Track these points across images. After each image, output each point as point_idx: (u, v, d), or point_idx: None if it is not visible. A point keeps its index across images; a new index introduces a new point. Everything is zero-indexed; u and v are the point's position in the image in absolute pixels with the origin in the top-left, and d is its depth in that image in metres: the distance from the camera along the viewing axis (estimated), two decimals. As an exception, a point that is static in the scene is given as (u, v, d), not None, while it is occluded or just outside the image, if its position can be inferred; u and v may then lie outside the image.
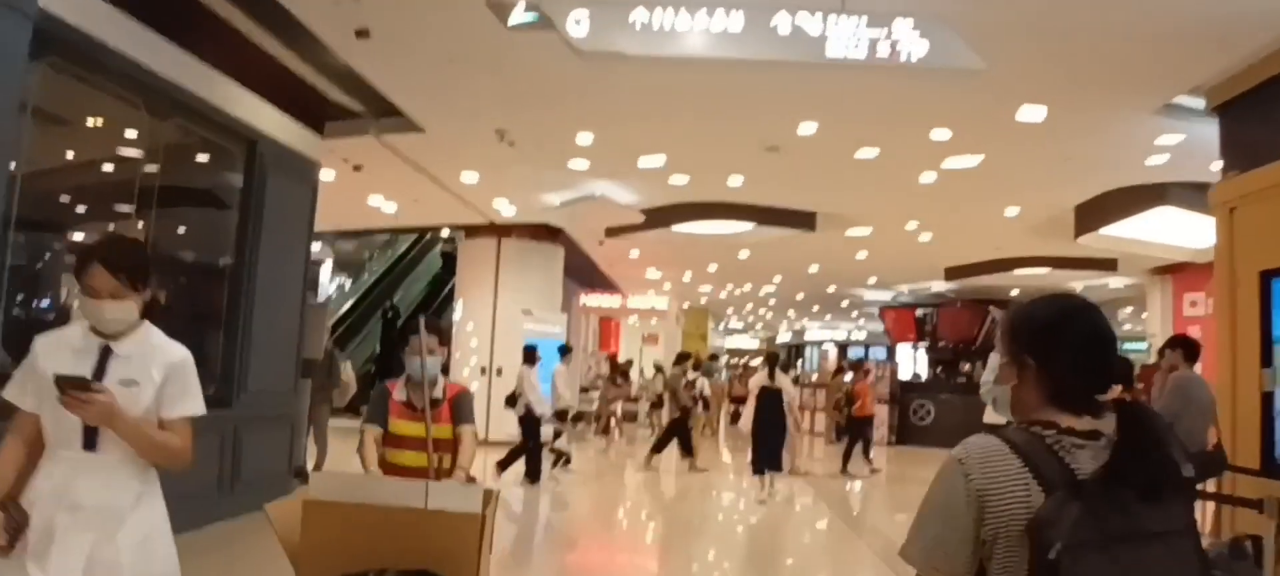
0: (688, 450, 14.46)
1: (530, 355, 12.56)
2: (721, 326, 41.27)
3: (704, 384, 14.81)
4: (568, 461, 12.99)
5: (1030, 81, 7.71)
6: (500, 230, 16.13)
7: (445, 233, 20.37)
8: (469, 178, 12.22)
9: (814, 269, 19.82)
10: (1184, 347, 7.58)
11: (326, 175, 12.36)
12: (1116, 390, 1.91)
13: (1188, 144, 9.15)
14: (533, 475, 12.32)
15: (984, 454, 1.61)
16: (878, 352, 42.10)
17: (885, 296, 24.62)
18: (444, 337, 4.53)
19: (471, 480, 4.11)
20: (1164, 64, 7.31)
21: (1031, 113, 8.35)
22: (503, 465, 12.28)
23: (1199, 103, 8.08)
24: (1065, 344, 1.69)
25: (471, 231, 16.54)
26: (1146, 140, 9.18)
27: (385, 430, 4.20)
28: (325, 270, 36.65)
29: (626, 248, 17.94)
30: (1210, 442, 7.38)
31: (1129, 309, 28.22)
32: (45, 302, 8.04)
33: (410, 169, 11.85)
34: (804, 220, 13.61)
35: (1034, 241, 15.17)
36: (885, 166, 10.50)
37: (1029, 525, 1.52)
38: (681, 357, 16.28)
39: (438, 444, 4.11)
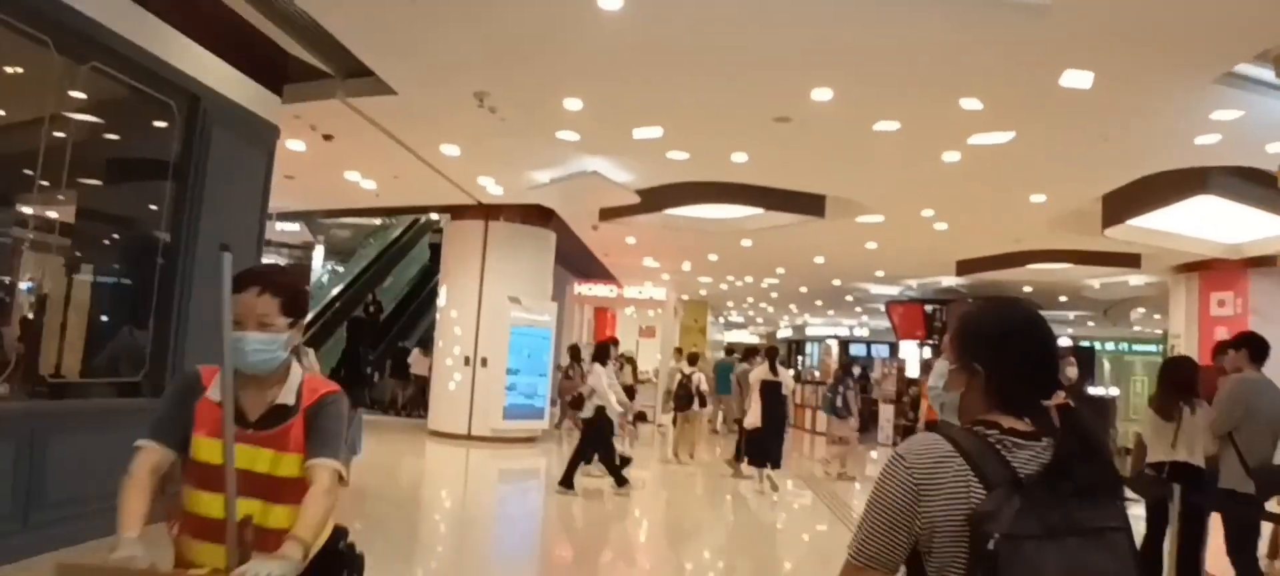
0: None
1: (603, 353, 11.63)
2: (721, 320, 40.31)
3: (700, 379, 13.88)
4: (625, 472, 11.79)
5: (1080, 40, 6.73)
6: (488, 211, 15.17)
7: (435, 217, 19.45)
8: (450, 151, 11.25)
9: (820, 260, 18.85)
10: (1250, 347, 6.63)
11: (295, 145, 11.44)
12: (1059, 396, 1.85)
13: (1246, 122, 8.17)
14: (619, 480, 11.29)
15: (924, 450, 1.70)
16: (880, 350, 41.27)
17: (892, 291, 23.65)
18: (293, 301, 2.56)
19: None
20: (1234, 22, 6.34)
21: (1076, 78, 7.36)
22: (566, 482, 11.05)
23: (1267, 72, 7.12)
24: (1013, 352, 1.78)
25: (458, 212, 15.58)
26: (1200, 115, 8.18)
27: (184, 454, 2.48)
28: (317, 256, 35.77)
29: (622, 234, 16.97)
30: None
31: (1140, 310, 27.36)
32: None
33: (386, 140, 10.89)
34: (813, 205, 12.63)
35: (1055, 233, 14.20)
36: (905, 142, 9.53)
37: (969, 518, 1.59)
38: (692, 359, 15.39)
39: (267, 486, 2.43)
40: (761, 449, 12.13)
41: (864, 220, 13.94)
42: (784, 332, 48.18)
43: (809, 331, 45.25)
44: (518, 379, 15.10)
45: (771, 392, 12.19)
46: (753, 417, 12.33)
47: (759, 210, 13.01)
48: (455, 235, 15.78)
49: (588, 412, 11.24)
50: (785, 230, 14.68)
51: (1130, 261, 16.40)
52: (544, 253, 15.98)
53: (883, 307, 28.80)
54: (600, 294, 21.74)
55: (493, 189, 13.60)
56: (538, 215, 15.38)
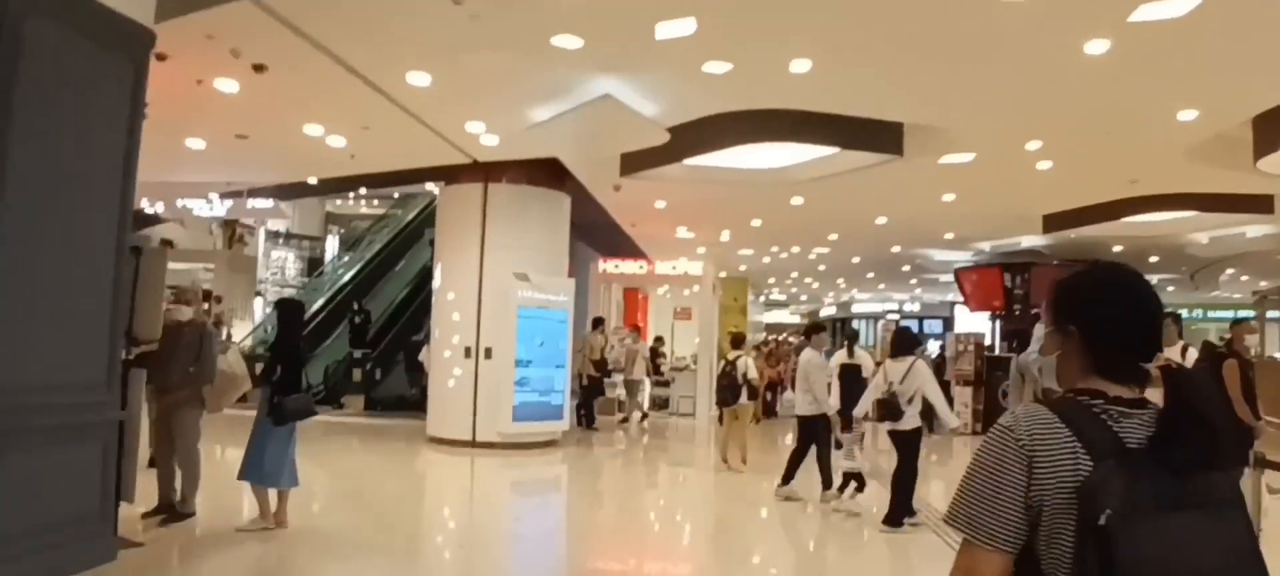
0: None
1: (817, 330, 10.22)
2: (762, 298, 37.53)
3: (747, 365, 11.21)
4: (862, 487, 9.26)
5: None
6: (487, 171, 12.58)
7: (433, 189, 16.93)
8: (418, 79, 8.66)
9: (881, 221, 16.09)
10: None
11: (225, 85, 9.01)
12: (1162, 359, 1.70)
13: None
14: (827, 483, 9.46)
15: (1033, 420, 1.62)
16: (932, 326, 38.34)
17: (959, 257, 20.80)
18: None
19: None
20: None
21: None
22: (786, 479, 9.62)
23: None
24: (1110, 312, 1.70)
25: (452, 175, 13.01)
26: None
27: None
28: (330, 247, 33.35)
29: (650, 196, 14.32)
30: None
31: (1229, 271, 24.40)
32: None
33: (335, 70, 8.35)
34: (888, 139, 9.92)
35: (1186, 169, 11.39)
36: (1040, 22, 6.81)
37: (1078, 491, 1.51)
38: (736, 340, 12.54)
39: None
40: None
41: (949, 160, 11.19)
42: (827, 310, 45.40)
43: (855, 308, 42.42)
44: (530, 372, 12.54)
45: (851, 378, 10.84)
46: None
47: (823, 149, 10.33)
48: (450, 203, 13.22)
49: (810, 408, 9.59)
50: (845, 184, 12.05)
51: (1262, 206, 13.59)
52: (557, 220, 13.38)
53: (944, 277, 26.03)
54: (628, 271, 19.09)
55: (486, 139, 10.99)
56: (547, 174, 12.78)
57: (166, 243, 23.52)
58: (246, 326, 22.54)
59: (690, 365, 21.26)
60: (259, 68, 8.47)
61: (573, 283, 13.42)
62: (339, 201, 32.61)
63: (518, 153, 11.87)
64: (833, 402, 11.51)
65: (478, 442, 12.45)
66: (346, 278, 24.26)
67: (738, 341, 11.82)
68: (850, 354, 11.62)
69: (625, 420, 17.06)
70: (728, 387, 11.27)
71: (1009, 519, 1.59)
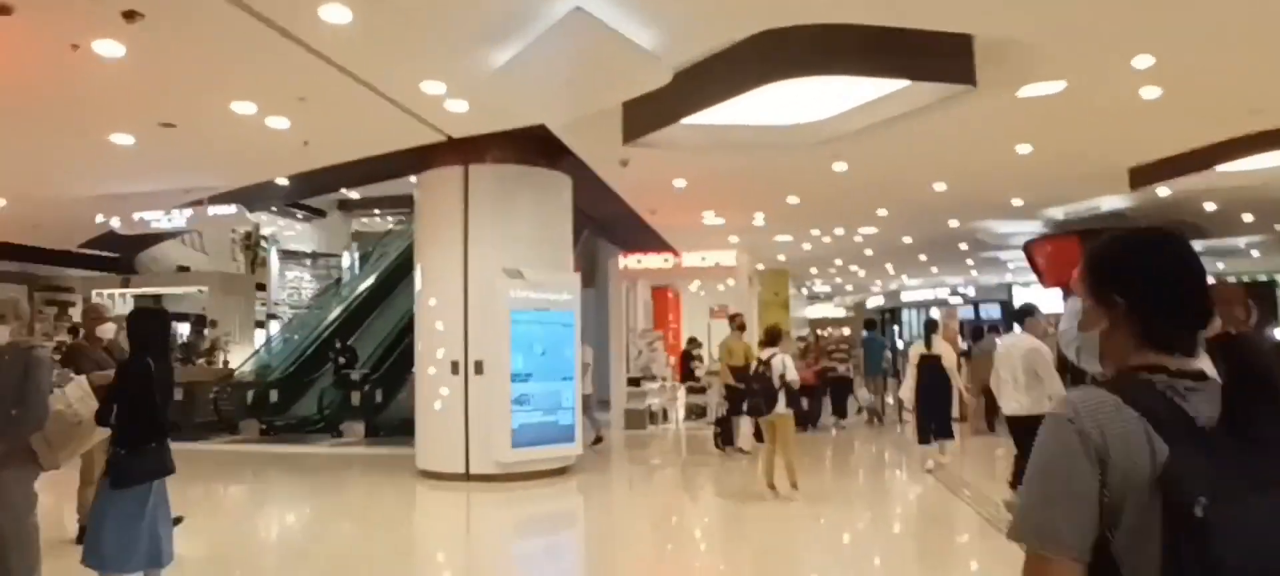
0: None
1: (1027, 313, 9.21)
2: (804, 291, 35.17)
3: (785, 364, 8.98)
4: None
5: None
6: (466, 151, 10.54)
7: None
8: (334, 15, 6.59)
9: (940, 187, 13.79)
10: None
11: (107, 48, 7.15)
12: (1216, 326, 1.52)
13: None
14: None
15: (1095, 406, 1.44)
16: (990, 311, 35.68)
17: (1026, 228, 18.38)
18: None
19: None
20: None
21: None
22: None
23: None
24: (1158, 278, 1.56)
25: (427, 158, 10.97)
26: None
27: None
28: (346, 262, 31.58)
29: (664, 172, 12.21)
30: None
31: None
32: None
33: (224, 7, 6.34)
34: (955, 62, 7.69)
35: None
36: None
37: (1160, 480, 1.35)
38: (772, 336, 10.24)
39: None
40: (922, 427, 11.32)
41: (1031, 92, 8.94)
42: (875, 301, 42.95)
43: (904, 296, 39.94)
44: (530, 387, 10.45)
45: (930, 371, 11.20)
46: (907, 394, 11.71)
47: (874, 85, 8.15)
48: (428, 192, 11.20)
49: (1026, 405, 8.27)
50: (897, 139, 10.00)
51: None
52: (555, 205, 11.30)
53: (1004, 254, 23.61)
54: (651, 265, 16.93)
55: (453, 105, 8.91)
56: (540, 151, 10.74)
57: (183, 269, 22.16)
58: (244, 351, 20.77)
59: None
60: (130, 16, 6.50)
61: (577, 279, 11.29)
62: (364, 220, 31.29)
63: (497, 123, 9.80)
64: (905, 397, 11.78)
65: (472, 475, 10.39)
66: (359, 290, 22.40)
67: (773, 337, 9.61)
68: (928, 344, 11.46)
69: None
70: (762, 393, 9.08)
71: (1082, 524, 1.40)
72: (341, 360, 16.76)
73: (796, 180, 13.18)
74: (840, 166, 11.89)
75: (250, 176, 12.56)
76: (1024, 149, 11.39)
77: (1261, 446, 1.37)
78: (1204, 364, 1.51)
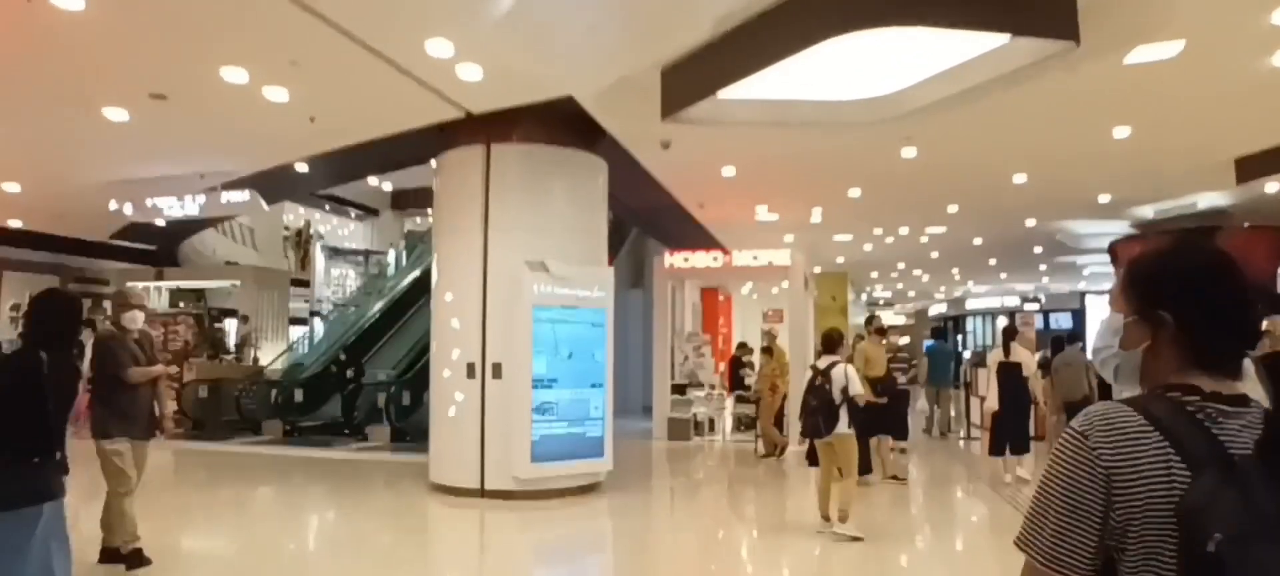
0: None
1: None
2: (863, 296, 33.61)
3: (848, 375, 7.61)
4: None
5: None
6: (489, 129, 9.46)
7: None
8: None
9: (1020, 179, 12.37)
10: None
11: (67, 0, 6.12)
12: (1265, 345, 1.48)
13: None
14: None
15: (1112, 425, 1.39)
16: (1061, 320, 33.75)
17: (1109, 228, 16.78)
18: None
19: None
20: None
21: None
22: None
23: None
24: (1209, 295, 1.49)
25: (447, 138, 9.91)
26: None
27: None
28: (392, 256, 30.97)
29: (711, 156, 11.02)
30: None
31: None
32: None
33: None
34: (1058, 18, 6.38)
35: None
36: None
37: (1178, 511, 1.29)
38: (830, 342, 8.83)
39: None
40: (996, 440, 10.91)
41: (1140, 57, 7.56)
42: (937, 309, 41.19)
43: (970, 304, 38.14)
44: (555, 394, 9.30)
45: (1009, 377, 10.72)
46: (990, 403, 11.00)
47: (959, 44, 6.85)
48: (447, 175, 10.10)
49: None
50: (976, 119, 8.76)
51: None
52: (588, 192, 10.14)
53: (1082, 260, 21.95)
54: (699, 264, 15.69)
55: (466, 72, 7.82)
56: (572, 130, 9.62)
57: (231, 265, 21.59)
58: (277, 347, 19.99)
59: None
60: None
61: (609, 274, 10.10)
62: (418, 218, 30.83)
63: (518, 94, 8.70)
64: (990, 406, 11.02)
65: (487, 491, 9.27)
66: (399, 288, 21.50)
67: (832, 342, 8.29)
68: (1007, 352, 10.87)
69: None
70: (821, 409, 7.74)
71: (1081, 544, 1.37)
72: (349, 373, 15.81)
73: (859, 169, 11.87)
74: (909, 153, 10.59)
75: (262, 159, 11.64)
76: (1121, 132, 9.97)
77: None
78: (1249, 387, 1.44)
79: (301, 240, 34.65)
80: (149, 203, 12.87)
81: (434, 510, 9.28)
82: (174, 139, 10.51)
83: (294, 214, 33.74)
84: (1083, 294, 32.96)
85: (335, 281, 34.50)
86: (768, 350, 14.77)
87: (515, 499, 9.16)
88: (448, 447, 9.62)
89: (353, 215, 34.56)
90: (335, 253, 37.45)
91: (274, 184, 12.90)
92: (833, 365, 7.80)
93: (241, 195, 12.30)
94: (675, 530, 9.19)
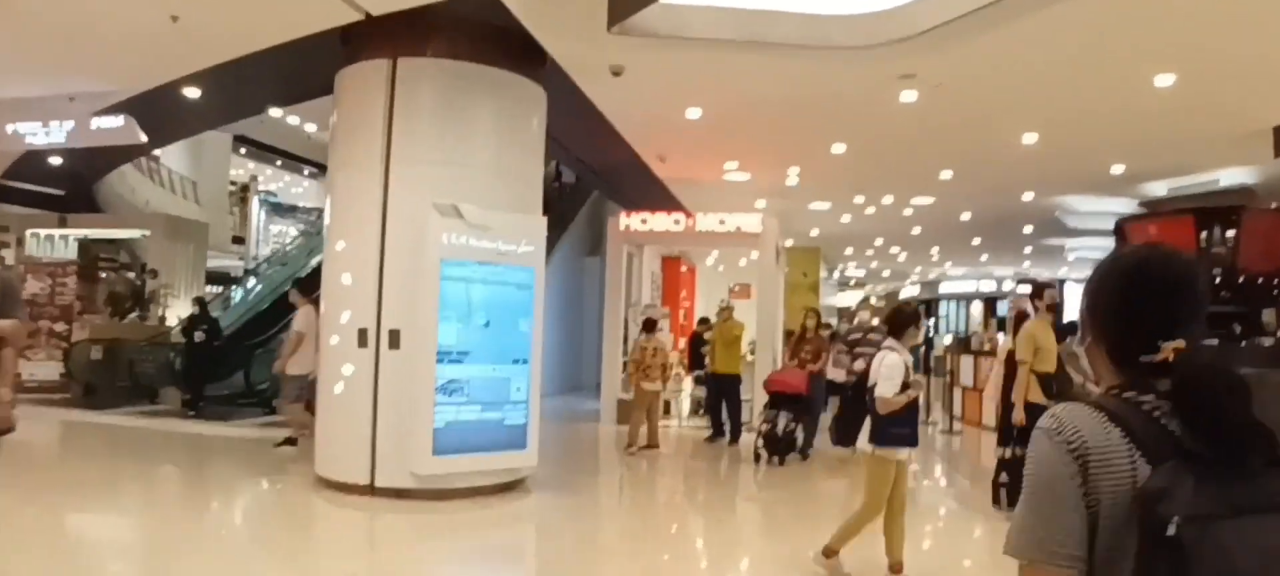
0: None
1: None
2: (835, 275, 31.98)
3: (886, 367, 5.38)
4: None
5: None
6: (396, 38, 7.60)
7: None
8: None
9: (1030, 139, 10.67)
10: None
11: None
12: (1167, 349, 1.46)
13: None
14: None
15: (1078, 419, 1.44)
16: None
17: (1114, 206, 15.17)
18: None
19: None
20: None
21: None
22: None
23: None
24: (1107, 297, 1.57)
25: (352, 48, 8.02)
26: None
27: None
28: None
29: (672, 91, 9.24)
30: None
31: None
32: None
33: None
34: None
35: None
36: None
37: (1137, 499, 1.35)
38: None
39: None
40: (1004, 431, 8.19)
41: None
42: (909, 291, 39.77)
43: (943, 288, 36.73)
44: (466, 370, 7.48)
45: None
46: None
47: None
48: (345, 99, 8.17)
49: None
50: (993, 52, 6.98)
51: None
52: (521, 124, 8.28)
53: (1071, 242, 20.43)
54: (659, 227, 13.86)
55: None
56: (501, 46, 7.78)
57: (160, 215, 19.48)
58: (188, 307, 17.97)
59: (747, 357, 16.02)
60: None
61: (541, 225, 8.22)
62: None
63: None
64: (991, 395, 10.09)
65: (378, 489, 7.45)
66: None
67: (902, 320, 5.86)
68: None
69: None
70: (844, 410, 5.67)
71: (1073, 529, 1.40)
72: (201, 328, 13.78)
73: (847, 118, 10.11)
74: (908, 97, 8.83)
75: (132, 76, 9.66)
76: (1164, 80, 8.27)
77: (1248, 471, 1.34)
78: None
79: (246, 195, 32.59)
80: (9, 128, 10.84)
81: (309, 512, 7.47)
82: (12, 44, 8.55)
83: (243, 169, 31.71)
84: (1063, 282, 31.61)
85: (274, 239, 32.41)
86: (704, 321, 13.43)
87: (413, 499, 7.35)
88: (334, 433, 7.78)
89: (306, 172, 32.52)
90: (279, 209, 35.31)
91: (158, 112, 10.89)
92: (878, 353, 5.69)
93: (115, 121, 10.30)
94: (609, 550, 7.40)
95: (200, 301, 14.63)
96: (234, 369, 14.75)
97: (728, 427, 11.79)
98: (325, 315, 8.02)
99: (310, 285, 11.25)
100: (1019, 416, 7.22)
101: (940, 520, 8.41)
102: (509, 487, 7.95)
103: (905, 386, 5.34)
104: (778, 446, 10.25)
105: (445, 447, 7.33)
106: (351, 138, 7.90)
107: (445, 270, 7.30)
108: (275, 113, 15.28)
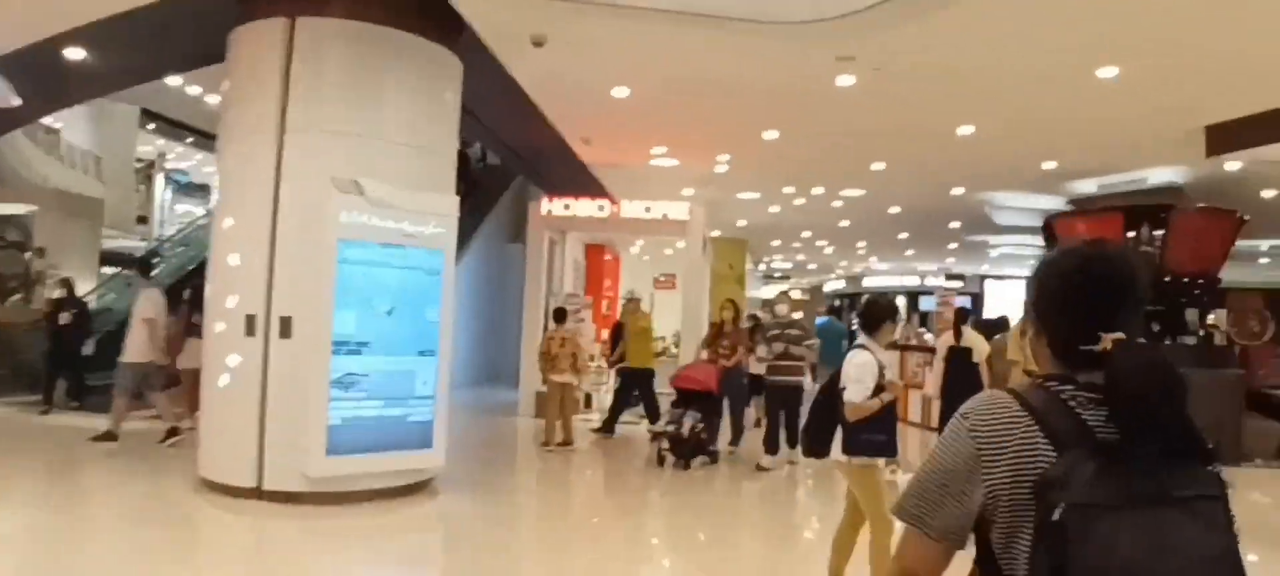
0: None
1: None
2: (761, 266, 31.75)
3: (854, 366, 4.72)
4: None
5: None
6: (292, -4, 6.90)
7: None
8: None
9: (966, 131, 10.37)
10: None
11: None
12: (1108, 339, 1.49)
13: None
14: None
15: (989, 410, 1.53)
16: (961, 303, 32.57)
17: (1040, 203, 15.04)
18: None
19: None
20: None
21: None
22: None
23: None
24: (1056, 289, 1.62)
25: (248, 8, 7.27)
26: None
27: None
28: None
29: (601, 72, 8.70)
30: None
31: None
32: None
33: None
34: None
35: None
36: None
37: (1036, 484, 1.41)
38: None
39: None
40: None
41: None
42: (834, 285, 39.85)
43: (867, 282, 36.82)
44: (366, 362, 6.84)
45: (960, 363, 9.51)
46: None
47: None
48: (238, 61, 7.39)
49: None
50: (944, 32, 6.71)
51: None
52: (434, 96, 7.63)
53: (995, 239, 20.46)
54: (582, 213, 13.27)
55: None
56: (414, 7, 7.13)
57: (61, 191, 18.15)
58: (84, 288, 16.80)
59: (671, 349, 15.57)
60: None
61: (453, 204, 7.57)
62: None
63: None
64: (932, 392, 10.35)
65: (266, 492, 6.76)
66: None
67: (876, 315, 5.19)
68: (958, 337, 9.99)
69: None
70: (814, 414, 5.07)
71: (949, 512, 1.50)
72: (69, 311, 12.64)
73: (782, 103, 9.66)
74: (846, 81, 8.43)
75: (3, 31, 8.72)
76: (1107, 72, 8.00)
77: (1152, 464, 1.37)
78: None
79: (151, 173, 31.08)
80: None
81: (188, 517, 6.72)
82: None
83: (151, 145, 30.17)
84: (983, 278, 31.87)
85: (181, 219, 30.90)
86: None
87: (305, 503, 6.68)
88: (218, 431, 7.04)
89: (219, 150, 31.13)
90: (187, 188, 33.75)
91: (36, 74, 9.93)
92: (850, 352, 5.02)
93: (-12, 88, 9.35)
94: (515, 557, 6.82)
95: (67, 283, 13.51)
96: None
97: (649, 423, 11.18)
98: (210, 300, 7.27)
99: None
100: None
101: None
102: (414, 489, 7.31)
103: (880, 389, 4.77)
104: (683, 449, 9.47)
105: (341, 447, 6.67)
106: (243, 104, 7.16)
107: (344, 252, 6.64)
108: (175, 81, 14.24)
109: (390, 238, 6.86)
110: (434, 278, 7.20)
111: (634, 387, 11.51)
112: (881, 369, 4.84)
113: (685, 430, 9.46)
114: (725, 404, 10.39)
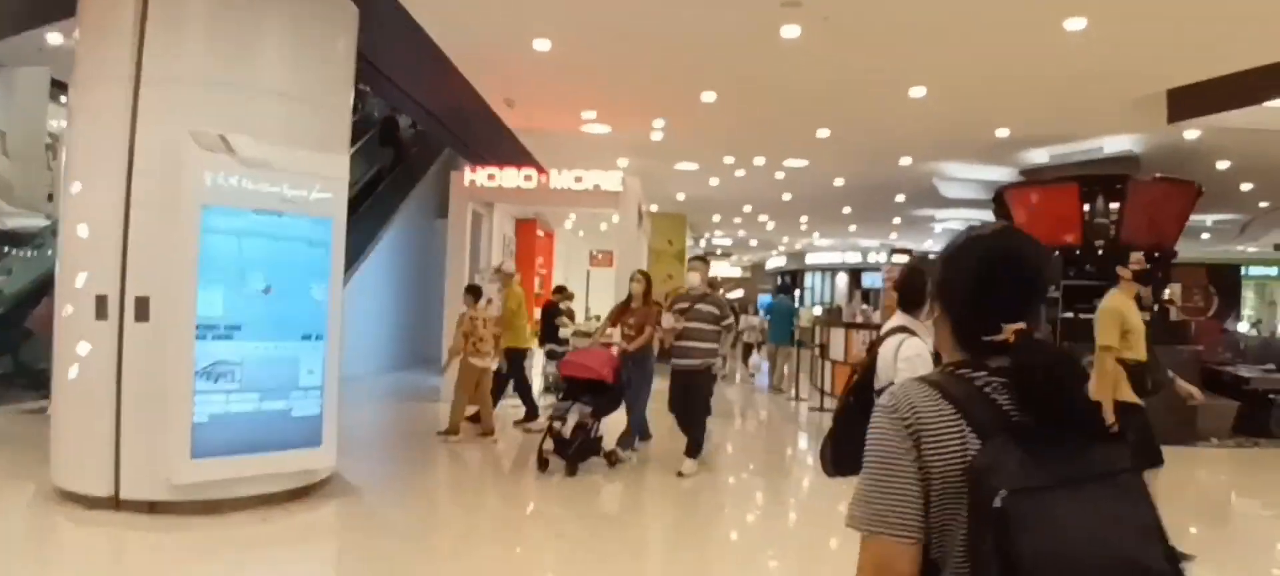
0: None
1: None
2: (701, 243, 31.04)
3: (902, 357, 3.53)
4: None
5: None
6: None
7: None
8: None
9: (918, 93, 9.66)
10: None
11: None
12: (1011, 330, 1.49)
13: None
14: None
15: (913, 396, 1.49)
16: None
17: (989, 174, 14.47)
18: None
19: None
20: None
21: None
22: None
23: None
24: (959, 276, 1.60)
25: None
26: None
27: None
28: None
29: (519, 17, 7.76)
30: None
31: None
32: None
33: None
34: None
35: None
36: None
37: (966, 472, 1.38)
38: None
39: None
40: None
41: None
42: (775, 262, 39.37)
43: (809, 259, 36.39)
44: (238, 348, 5.88)
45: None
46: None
47: None
48: (91, 3, 6.36)
49: None
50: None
51: None
52: (323, 44, 6.65)
53: (941, 213, 19.95)
54: (508, 184, 12.32)
55: None
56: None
57: None
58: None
59: (607, 331, 14.68)
60: None
61: (343, 164, 6.62)
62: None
63: None
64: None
65: (124, 502, 5.79)
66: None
67: (914, 292, 3.99)
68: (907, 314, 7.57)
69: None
70: (837, 426, 3.52)
71: (910, 504, 1.43)
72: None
73: (720, 59, 8.83)
74: (791, 32, 7.64)
75: None
76: (1075, 23, 7.30)
77: (1074, 444, 1.38)
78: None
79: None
80: None
81: (34, 532, 5.73)
82: None
83: (63, 120, 28.42)
84: (925, 254, 31.59)
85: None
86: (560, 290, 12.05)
87: (169, 514, 5.73)
88: (69, 431, 6.04)
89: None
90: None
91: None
92: (889, 338, 3.86)
93: None
94: (408, 568, 5.93)
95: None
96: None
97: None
98: (59, 277, 6.24)
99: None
100: (1109, 420, 5.60)
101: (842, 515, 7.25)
102: (300, 494, 6.38)
103: None
104: (566, 449, 7.88)
105: (210, 448, 5.72)
106: (94, 51, 6.13)
107: (209, 220, 5.66)
108: (55, 39, 12.92)
109: (266, 203, 5.90)
110: (320, 250, 6.25)
111: (512, 369, 10.48)
112: (936, 358, 3.37)
113: (567, 429, 7.90)
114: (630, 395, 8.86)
